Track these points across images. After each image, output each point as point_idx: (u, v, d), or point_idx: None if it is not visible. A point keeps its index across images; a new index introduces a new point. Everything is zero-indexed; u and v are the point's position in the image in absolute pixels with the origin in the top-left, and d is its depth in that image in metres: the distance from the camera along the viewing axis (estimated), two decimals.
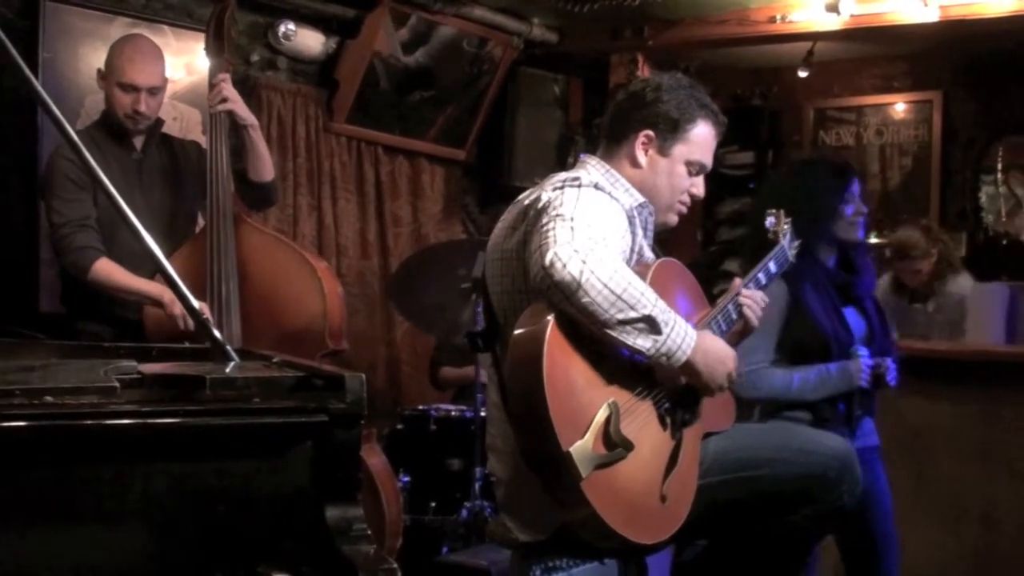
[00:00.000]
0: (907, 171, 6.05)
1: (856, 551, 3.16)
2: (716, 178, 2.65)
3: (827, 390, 3.00)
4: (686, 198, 2.52)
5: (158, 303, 3.20)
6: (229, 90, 3.37)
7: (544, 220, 2.18)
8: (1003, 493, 3.78)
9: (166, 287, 3.12)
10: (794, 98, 6.27)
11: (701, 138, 2.49)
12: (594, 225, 2.17)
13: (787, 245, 2.74)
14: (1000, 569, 3.78)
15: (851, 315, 3.11)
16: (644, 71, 5.45)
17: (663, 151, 2.47)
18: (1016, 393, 3.76)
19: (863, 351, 3.03)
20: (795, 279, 2.98)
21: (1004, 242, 5.62)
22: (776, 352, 3.02)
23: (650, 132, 2.46)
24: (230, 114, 3.37)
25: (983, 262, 5.14)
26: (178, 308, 3.13)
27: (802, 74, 5.57)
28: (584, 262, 2.05)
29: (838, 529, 2.51)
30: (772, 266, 2.66)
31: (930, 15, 4.73)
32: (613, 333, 2.08)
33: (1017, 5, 4.54)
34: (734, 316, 2.49)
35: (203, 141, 3.73)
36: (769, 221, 2.78)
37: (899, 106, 6.10)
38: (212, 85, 3.37)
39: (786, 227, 2.76)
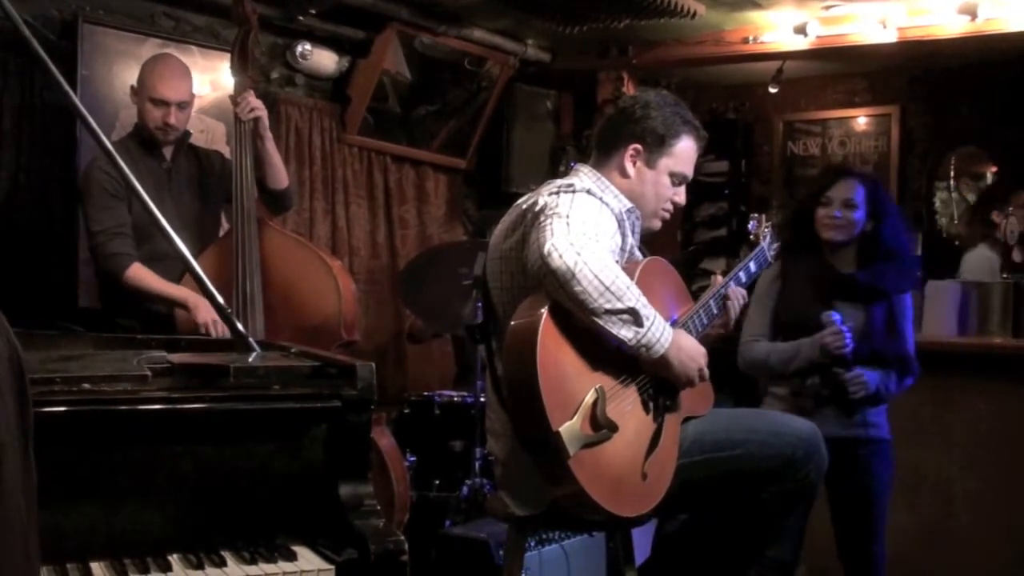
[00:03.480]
0: None
1: (850, 533, 3.16)
2: (694, 184, 2.65)
3: (800, 360, 3.07)
4: (669, 206, 2.52)
5: (184, 307, 3.19)
6: (256, 101, 3.36)
7: (542, 219, 2.18)
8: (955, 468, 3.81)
9: (191, 293, 3.12)
10: (765, 112, 6.28)
11: (684, 152, 2.49)
12: (587, 223, 2.17)
13: (767, 246, 2.77)
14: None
15: (847, 308, 3.08)
16: (629, 88, 5.46)
17: (649, 163, 2.46)
18: (964, 378, 3.80)
19: (835, 315, 3.01)
20: (783, 270, 3.17)
21: (956, 243, 5.61)
22: (772, 330, 3.17)
23: (638, 145, 2.45)
24: (257, 122, 3.36)
25: (937, 261, 5.13)
26: (201, 315, 3.12)
27: (772, 90, 5.57)
28: (579, 254, 2.05)
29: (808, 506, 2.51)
30: (752, 265, 2.68)
31: (888, 36, 4.75)
32: (600, 321, 2.07)
33: (967, 27, 4.55)
34: (715, 311, 2.50)
35: (227, 152, 3.71)
36: (751, 224, 2.81)
37: (860, 119, 6.09)
38: (237, 100, 3.36)
39: (766, 230, 2.79)
